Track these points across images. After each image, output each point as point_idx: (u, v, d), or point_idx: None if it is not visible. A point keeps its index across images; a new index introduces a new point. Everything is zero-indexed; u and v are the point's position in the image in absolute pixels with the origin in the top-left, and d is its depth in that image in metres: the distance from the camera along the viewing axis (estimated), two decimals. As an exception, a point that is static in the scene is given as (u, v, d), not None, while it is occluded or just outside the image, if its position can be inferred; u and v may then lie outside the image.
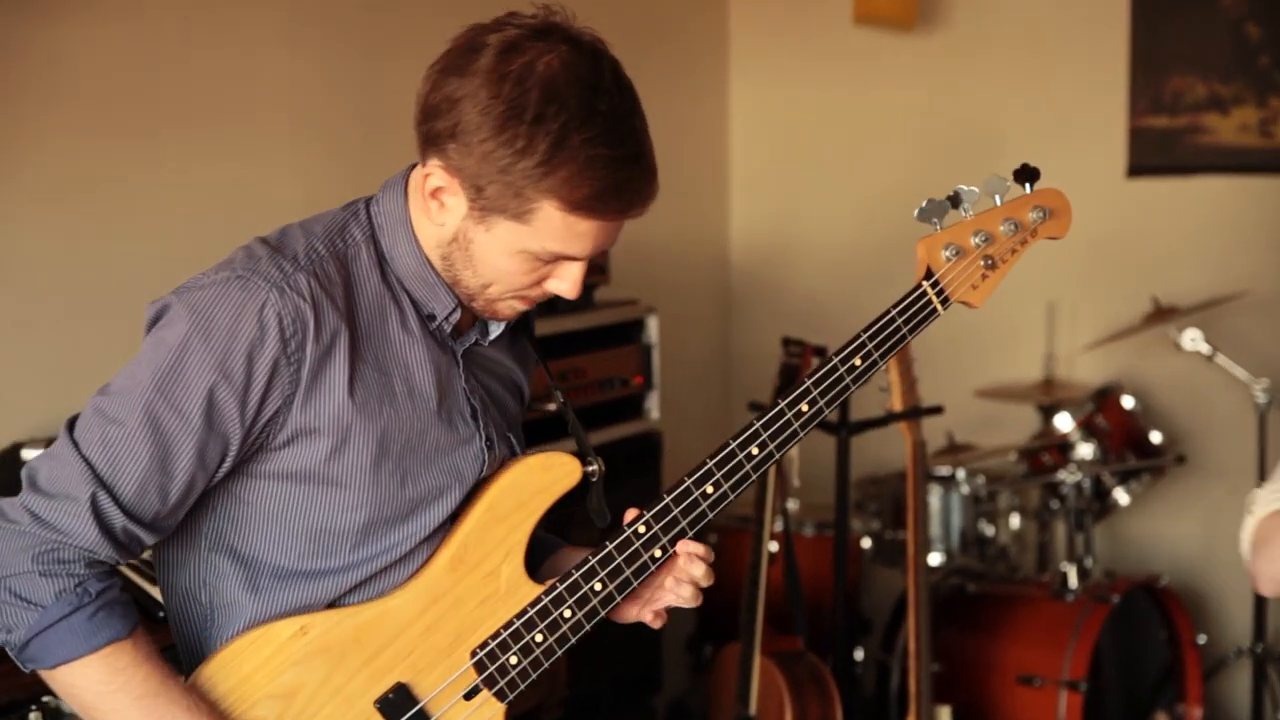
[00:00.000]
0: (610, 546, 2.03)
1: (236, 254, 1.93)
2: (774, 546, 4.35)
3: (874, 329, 2.08)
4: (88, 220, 3.24)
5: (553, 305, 3.71)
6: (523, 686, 2.03)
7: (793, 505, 4.60)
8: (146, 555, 2.01)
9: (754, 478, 2.05)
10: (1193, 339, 4.35)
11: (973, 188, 2.11)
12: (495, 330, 2.09)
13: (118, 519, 1.83)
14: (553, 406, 3.52)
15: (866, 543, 4.53)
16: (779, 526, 4.40)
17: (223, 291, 1.86)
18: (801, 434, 2.05)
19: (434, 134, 1.89)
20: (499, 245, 1.91)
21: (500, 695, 2.03)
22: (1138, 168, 4.83)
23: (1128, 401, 4.55)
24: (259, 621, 1.96)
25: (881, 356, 2.08)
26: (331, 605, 1.98)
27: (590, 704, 3.83)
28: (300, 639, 1.95)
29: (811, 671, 3.77)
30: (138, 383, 1.84)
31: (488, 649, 2.01)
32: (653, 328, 4.01)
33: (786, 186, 5.38)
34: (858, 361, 2.07)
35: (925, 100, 5.11)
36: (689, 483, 2.03)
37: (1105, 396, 4.53)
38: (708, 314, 5.29)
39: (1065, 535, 4.35)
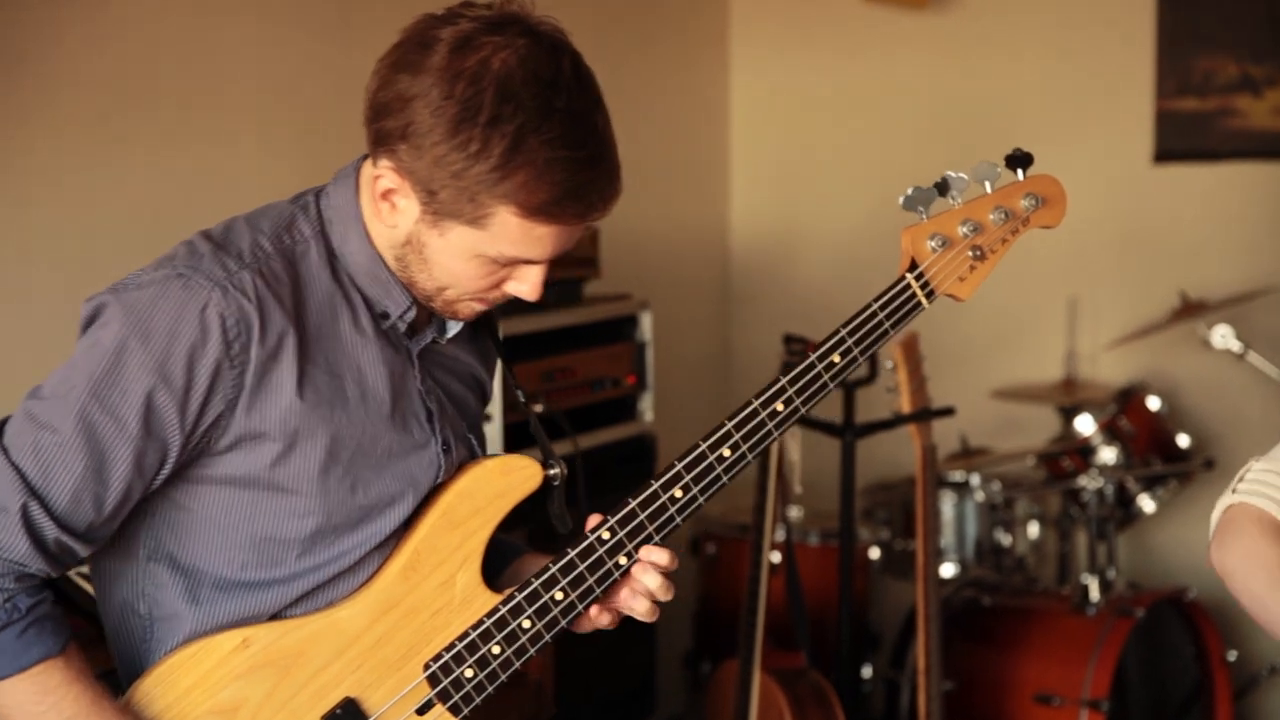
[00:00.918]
0: (572, 554, 2.02)
1: (178, 249, 1.92)
2: (776, 557, 4.34)
3: (854, 324, 2.07)
4: (47, 211, 3.22)
5: (539, 301, 3.70)
6: (479, 700, 2.02)
7: (796, 513, 4.56)
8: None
9: (725, 481, 2.04)
10: (1223, 336, 4.32)
11: (961, 174, 2.09)
12: (454, 328, 2.08)
13: (50, 530, 1.82)
14: (539, 408, 3.51)
15: (875, 553, 4.49)
16: (781, 536, 4.38)
17: (162, 290, 1.85)
18: (777, 434, 2.04)
19: (384, 133, 1.88)
20: (454, 250, 1.91)
21: (455, 710, 2.02)
22: (1165, 153, 4.80)
23: (1153, 403, 4.51)
24: (200, 634, 1.94)
25: (862, 353, 2.07)
26: (276, 617, 1.97)
27: (579, 724, 3.80)
28: (243, 652, 1.93)
29: (814, 690, 3.74)
30: (72, 387, 1.83)
31: (442, 661, 2.00)
32: (646, 324, 3.98)
33: (791, 174, 5.35)
34: (836, 358, 2.06)
35: (938, 83, 5.08)
36: (656, 486, 2.02)
37: (1129, 397, 4.50)
38: (706, 309, 5.26)
39: (1086, 545, 4.31)
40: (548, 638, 2.03)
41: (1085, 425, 4.48)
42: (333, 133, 3.68)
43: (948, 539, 4.48)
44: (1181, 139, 4.77)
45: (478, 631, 2.00)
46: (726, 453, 2.02)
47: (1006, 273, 4.94)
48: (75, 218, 3.26)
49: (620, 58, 4.81)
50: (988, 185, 2.11)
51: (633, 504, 2.01)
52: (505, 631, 2.01)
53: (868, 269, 5.02)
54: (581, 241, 3.79)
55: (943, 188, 2.08)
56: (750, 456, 2.03)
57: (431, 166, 1.84)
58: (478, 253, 1.90)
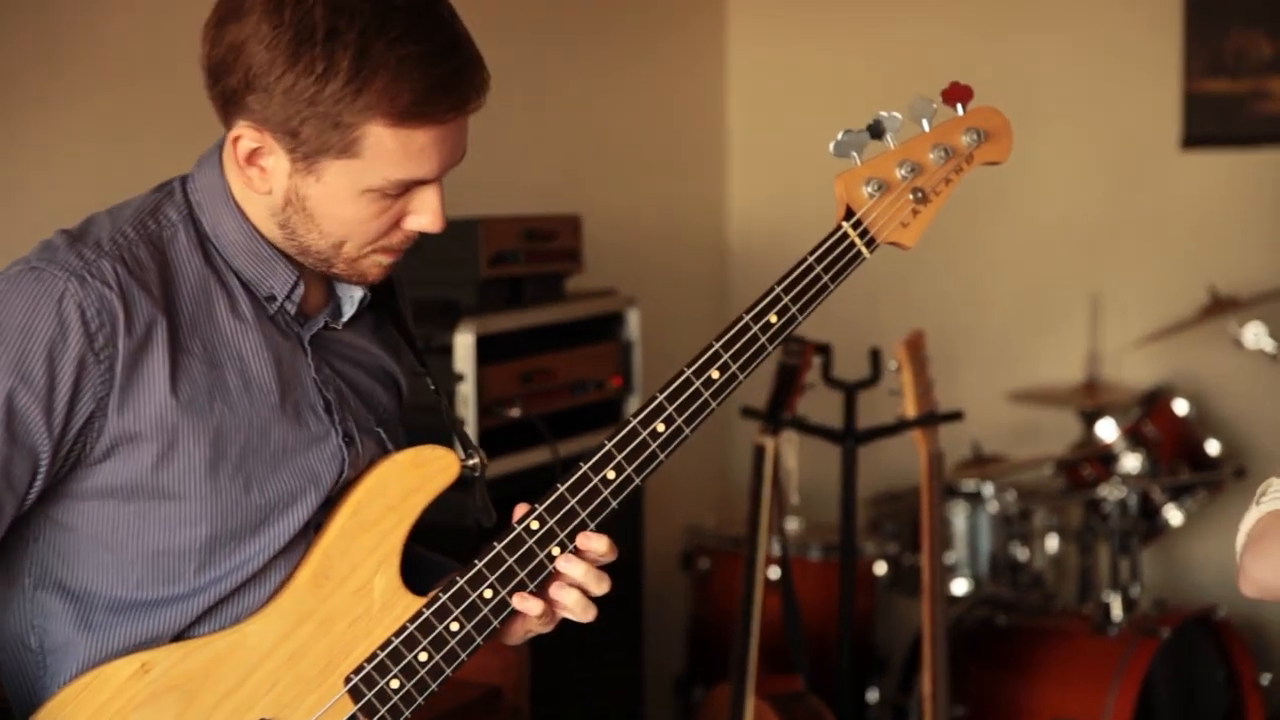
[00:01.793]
0: (499, 547, 1.98)
1: (34, 249, 1.90)
2: (775, 572, 4.27)
3: (789, 280, 2.04)
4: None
5: (518, 296, 3.63)
6: (407, 713, 1.99)
7: (795, 525, 4.50)
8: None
9: (662, 458, 2.00)
10: (1256, 334, 4.26)
11: (895, 114, 2.06)
12: (349, 310, 2.06)
13: None
14: (515, 413, 3.44)
15: (881, 568, 4.42)
16: (779, 551, 4.31)
17: (13, 286, 1.83)
18: (714, 405, 2.01)
19: (229, 93, 1.86)
20: (337, 193, 1.88)
21: None
22: (1194, 138, 4.73)
23: (1180, 406, 4.44)
24: (95, 663, 1.90)
25: (800, 311, 2.04)
26: (178, 637, 1.93)
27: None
28: (142, 678, 1.89)
29: (812, 715, 3.68)
30: None
31: (364, 674, 1.97)
32: (633, 322, 3.91)
33: (793, 161, 5.27)
34: (773, 318, 2.03)
35: (950, 63, 4.97)
36: (585, 469, 1.99)
37: (1154, 401, 4.43)
38: (701, 306, 5.18)
39: (1108, 560, 4.24)
40: (479, 640, 1.99)
41: (1107, 431, 4.41)
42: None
43: (960, 553, 4.41)
44: (1211, 123, 4.70)
45: (401, 638, 1.97)
46: (660, 427, 1.99)
47: (1024, 267, 4.96)
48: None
49: (611, 40, 4.75)
50: (925, 123, 2.08)
51: (561, 489, 1.98)
52: (432, 636, 1.97)
53: (877, 262, 4.98)
54: (563, 233, 3.72)
55: (876, 130, 2.06)
56: (687, 430, 2.00)
57: (284, 104, 1.82)
58: (362, 187, 1.87)
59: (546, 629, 2.06)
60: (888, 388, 3.66)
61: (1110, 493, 4.22)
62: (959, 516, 4.40)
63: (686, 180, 5.19)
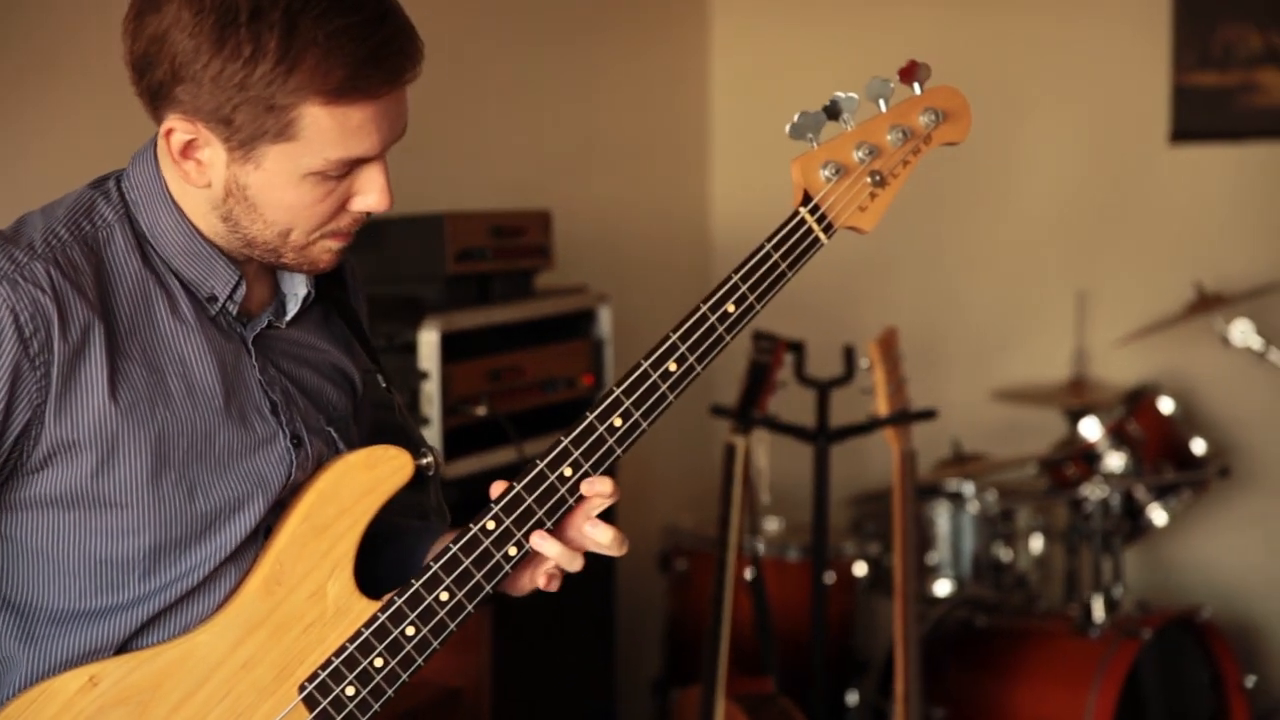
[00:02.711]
0: (455, 549, 1.97)
1: None
2: (751, 573, 4.29)
3: (746, 267, 2.03)
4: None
5: (487, 293, 3.65)
6: (364, 719, 1.98)
7: (774, 525, 4.52)
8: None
9: (619, 453, 2.00)
10: (1242, 332, 4.29)
11: (852, 94, 2.05)
12: (293, 308, 2.05)
13: None
14: (481, 411, 3.46)
15: (861, 569, 4.44)
16: (758, 551, 4.34)
17: None
18: (671, 397, 2.00)
19: (156, 87, 1.84)
20: (278, 178, 1.87)
21: None
22: (1183, 132, 4.74)
23: (1165, 405, 4.45)
24: (39, 676, 1.88)
25: (758, 299, 2.03)
26: (123, 647, 1.91)
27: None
28: (90, 692, 1.87)
29: (783, 718, 3.69)
30: None
31: (318, 681, 1.95)
32: (605, 319, 3.92)
33: (777, 156, 5.25)
34: (731, 308, 2.01)
35: (936, 56, 4.95)
36: (542, 466, 1.98)
37: (1139, 399, 4.44)
38: (686, 303, 5.16)
39: (1091, 560, 4.26)
40: (436, 644, 1.98)
41: (1091, 429, 4.42)
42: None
43: (943, 554, 4.43)
44: (1200, 117, 4.72)
45: (356, 644, 1.96)
46: (618, 422, 1.98)
47: (1010, 263, 4.97)
48: None
49: (596, 35, 4.76)
50: (882, 104, 2.07)
51: (518, 488, 1.97)
52: (387, 641, 1.96)
53: (864, 258, 5.01)
54: (532, 229, 3.74)
55: (833, 111, 2.04)
56: (645, 425, 1.99)
57: (214, 91, 1.80)
58: (304, 171, 1.86)
59: (550, 589, 2.05)
60: (860, 387, 3.67)
61: (1092, 492, 4.23)
62: (943, 517, 4.42)
63: (671, 176, 5.20)
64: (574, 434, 1.98)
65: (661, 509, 4.80)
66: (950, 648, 4.26)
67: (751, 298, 2.01)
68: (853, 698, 4.39)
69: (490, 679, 3.24)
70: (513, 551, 1.98)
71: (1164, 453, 4.41)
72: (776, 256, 2.03)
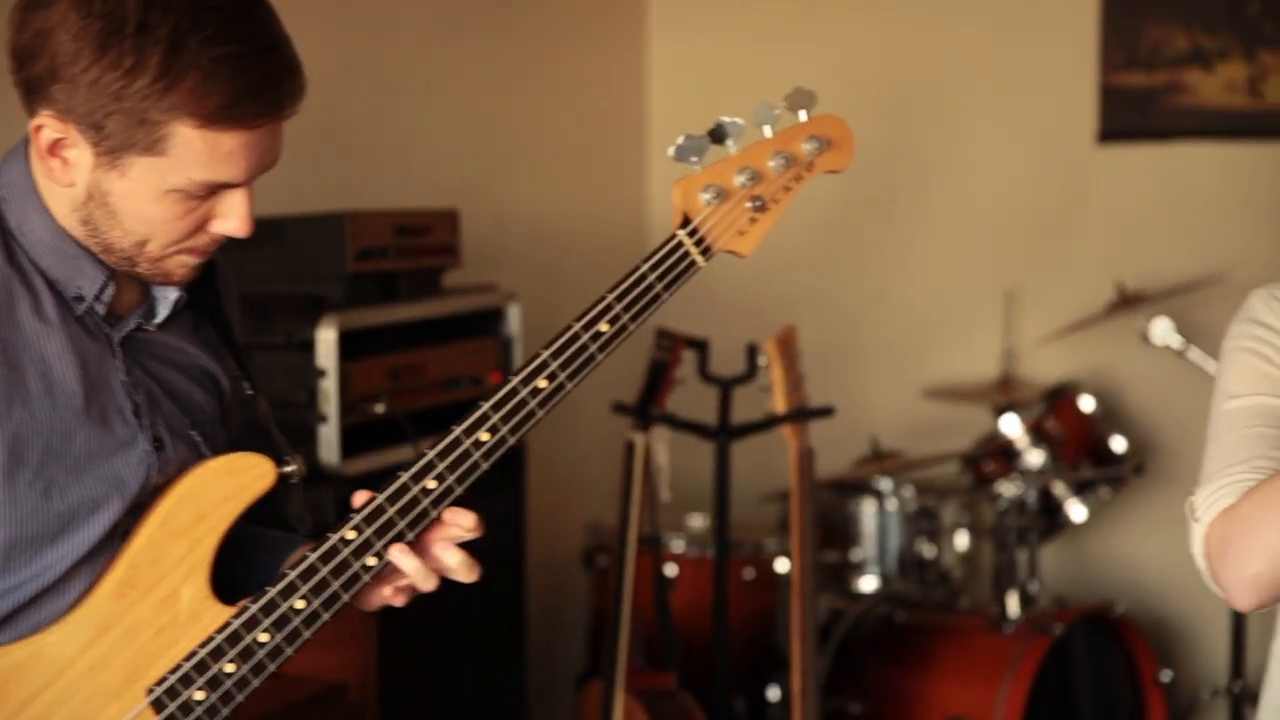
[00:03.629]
0: (312, 558, 1.98)
1: None
2: (673, 570, 4.33)
3: (621, 288, 2.03)
4: None
5: (391, 291, 3.68)
6: None
7: (698, 522, 4.55)
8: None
9: (484, 467, 2.00)
10: (1162, 330, 4.29)
11: (737, 119, 2.06)
12: (163, 311, 2.04)
13: None
14: (380, 409, 3.49)
15: (784, 565, 4.46)
16: (679, 548, 4.38)
17: None
18: (540, 414, 2.00)
19: (32, 80, 1.85)
20: (141, 190, 1.87)
21: None
22: (1110, 132, 4.76)
23: (1086, 403, 4.49)
24: None
25: (632, 320, 2.03)
26: None
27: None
28: None
29: (681, 713, 3.72)
30: None
31: (166, 685, 1.94)
32: (514, 318, 3.95)
33: (719, 152, 5.31)
34: (604, 327, 2.02)
35: (867, 57, 5.05)
36: (405, 478, 1.98)
37: (1058, 397, 4.48)
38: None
39: (1006, 557, 4.28)
40: (289, 651, 1.98)
41: (1010, 426, 4.44)
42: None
43: (869, 551, 4.46)
44: (1128, 117, 4.74)
45: (207, 649, 1.95)
46: (484, 437, 1.98)
47: (940, 262, 4.99)
48: None
49: (530, 32, 4.78)
50: (766, 129, 2.08)
51: (380, 499, 1.98)
52: (239, 647, 1.96)
53: (800, 254, 5.03)
54: (437, 228, 3.77)
55: (717, 135, 2.05)
56: (512, 439, 1.99)
57: (89, 96, 1.81)
58: (168, 187, 1.86)
59: (401, 603, 2.06)
60: (759, 385, 3.70)
61: (1007, 489, 4.25)
62: (869, 513, 4.44)
63: (606, 175, 5.22)
64: (439, 447, 1.98)
65: (586, 507, 4.83)
66: (870, 644, 4.30)
67: (625, 318, 2.02)
68: (774, 693, 4.40)
69: (377, 674, 3.26)
70: (371, 562, 1.99)
71: (1083, 450, 4.44)
72: (652, 278, 2.04)
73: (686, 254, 2.05)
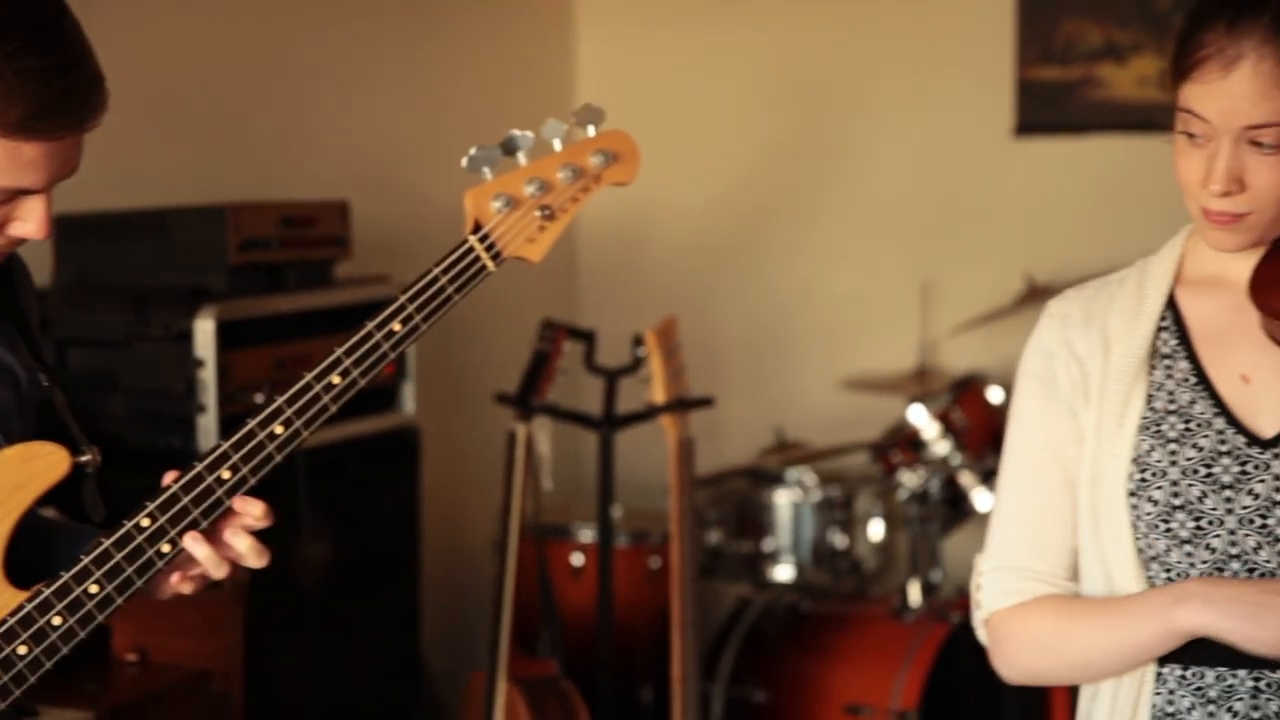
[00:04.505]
0: (107, 543, 2.00)
1: None
2: (579, 559, 4.34)
3: (414, 290, 2.07)
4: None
5: (278, 283, 3.70)
6: (3, 706, 1.99)
7: (617, 513, 4.56)
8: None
9: (279, 459, 2.04)
10: (1068, 321, 4.27)
11: (528, 133, 2.13)
12: None
13: None
14: (260, 398, 3.51)
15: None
16: (587, 538, 4.38)
17: None
18: (333, 408, 2.05)
19: None
20: None
21: None
22: (1026, 125, 4.77)
23: (994, 394, 4.49)
24: None
25: (424, 320, 2.07)
26: None
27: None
28: None
29: (561, 700, 3.74)
30: None
31: None
32: (407, 310, 3.95)
33: (647, 149, 5.31)
34: (397, 326, 2.06)
35: (788, 50, 5.07)
36: (200, 468, 2.01)
37: (965, 388, 4.48)
38: (550, 300, 5.23)
39: (912, 546, 4.29)
40: (82, 634, 2.00)
41: (918, 417, 4.44)
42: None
43: (783, 540, 4.47)
44: (1043, 111, 4.75)
45: (0, 631, 1.98)
46: (279, 429, 2.02)
47: (859, 254, 4.99)
48: None
49: (454, 33, 4.81)
50: (556, 143, 2.15)
51: (175, 487, 2.01)
52: (32, 630, 1.98)
53: (723, 246, 5.04)
54: (325, 220, 3.79)
55: (509, 147, 2.13)
56: (305, 432, 2.04)
57: None
58: None
59: (193, 592, 2.08)
60: (640, 376, 3.71)
61: (909, 479, 4.26)
62: (784, 503, 4.45)
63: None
64: (234, 439, 2.02)
65: (499, 497, 4.83)
66: (778, 633, 4.31)
67: (418, 318, 2.07)
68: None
69: (243, 662, 3.27)
70: (166, 549, 2.02)
71: (989, 440, 4.44)
72: (444, 281, 2.08)
73: (478, 259, 2.11)
